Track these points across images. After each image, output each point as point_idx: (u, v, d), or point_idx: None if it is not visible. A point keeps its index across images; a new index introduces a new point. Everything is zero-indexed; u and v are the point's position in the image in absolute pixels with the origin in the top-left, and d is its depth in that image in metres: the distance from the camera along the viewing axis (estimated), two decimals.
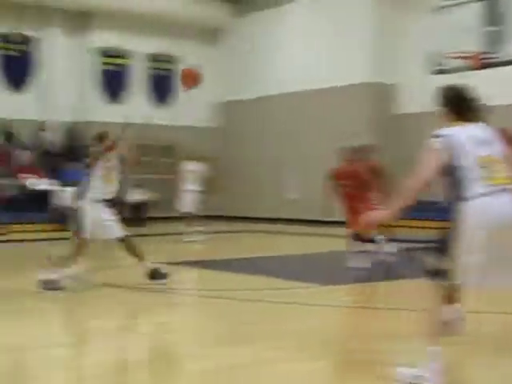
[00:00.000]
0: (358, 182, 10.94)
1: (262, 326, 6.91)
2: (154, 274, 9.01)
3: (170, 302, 8.56)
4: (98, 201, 8.97)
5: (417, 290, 5.68)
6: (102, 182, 9.00)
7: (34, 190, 19.56)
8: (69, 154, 22.16)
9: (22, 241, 15.91)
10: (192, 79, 11.09)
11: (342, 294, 9.17)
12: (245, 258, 12.89)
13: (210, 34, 25.32)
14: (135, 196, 21.77)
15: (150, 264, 9.08)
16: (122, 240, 9.03)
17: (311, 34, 22.31)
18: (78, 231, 8.94)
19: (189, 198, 16.38)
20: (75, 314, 8.06)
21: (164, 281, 8.98)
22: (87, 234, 8.84)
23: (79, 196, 9.22)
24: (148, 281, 8.95)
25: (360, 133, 18.20)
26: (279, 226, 20.43)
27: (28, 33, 22.22)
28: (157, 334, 6.91)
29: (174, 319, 7.50)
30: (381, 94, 20.95)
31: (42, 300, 8.33)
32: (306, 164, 21.84)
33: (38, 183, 19.89)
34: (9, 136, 21.71)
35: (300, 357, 5.63)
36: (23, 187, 19.70)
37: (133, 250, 9.01)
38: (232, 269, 11.13)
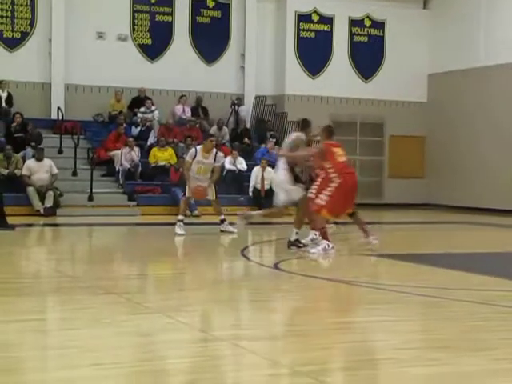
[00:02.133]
0: None
1: (496, 332, 6.39)
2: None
3: (386, 299, 8.16)
4: None
5: None
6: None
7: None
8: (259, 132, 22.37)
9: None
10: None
11: None
12: (462, 253, 12.45)
13: None
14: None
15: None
16: None
17: None
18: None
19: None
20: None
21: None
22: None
23: None
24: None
25: None
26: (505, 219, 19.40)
27: None
28: (375, 333, 6.55)
29: (393, 318, 7.11)
30: None
31: None
32: None
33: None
34: (204, 111, 22.17)
35: None
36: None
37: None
38: (447, 265, 10.63)
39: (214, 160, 14.14)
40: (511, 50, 21.41)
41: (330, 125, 12.57)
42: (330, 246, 11.28)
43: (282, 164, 11.90)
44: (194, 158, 13.85)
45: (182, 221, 13.78)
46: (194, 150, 14.18)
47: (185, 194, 14.19)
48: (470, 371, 5.20)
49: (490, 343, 6.05)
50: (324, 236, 11.39)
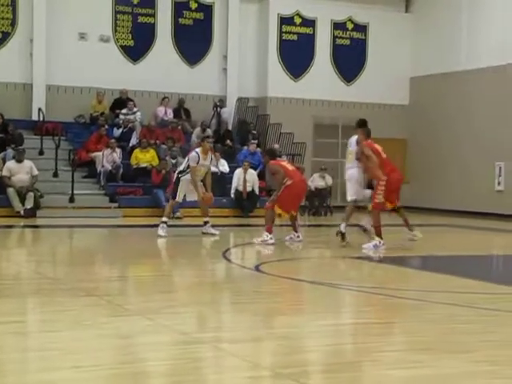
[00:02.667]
0: None
1: (476, 334, 6.42)
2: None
3: (368, 302, 8.18)
4: None
5: None
6: None
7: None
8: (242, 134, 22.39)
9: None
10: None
11: None
12: (445, 256, 12.48)
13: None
14: (318, 182, 21.55)
15: None
16: None
17: None
18: None
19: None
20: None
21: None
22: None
23: None
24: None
25: None
26: (480, 222, 19.49)
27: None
28: (357, 335, 6.56)
29: (375, 321, 7.12)
30: None
31: None
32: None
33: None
34: (186, 112, 22.15)
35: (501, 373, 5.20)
36: None
37: None
38: (430, 268, 10.68)
39: (210, 161, 14.17)
40: (492, 53, 21.54)
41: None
42: (381, 243, 12.04)
43: (355, 163, 12.65)
44: (198, 161, 13.72)
45: (165, 223, 13.76)
46: (195, 154, 13.86)
47: (174, 198, 14.07)
48: (451, 373, 5.22)
49: (470, 345, 6.07)
50: (378, 233, 12.16)
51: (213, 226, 14.15)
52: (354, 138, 12.84)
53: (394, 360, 5.56)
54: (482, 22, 22.13)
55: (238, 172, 19.78)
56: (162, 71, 21.83)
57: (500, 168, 21.29)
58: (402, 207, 13.09)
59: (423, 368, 5.29)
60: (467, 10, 22.58)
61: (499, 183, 21.20)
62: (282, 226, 14.34)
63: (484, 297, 8.57)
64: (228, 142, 21.85)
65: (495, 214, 20.26)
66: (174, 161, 19.21)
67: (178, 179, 13.93)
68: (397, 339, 6.49)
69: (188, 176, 13.75)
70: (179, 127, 21.45)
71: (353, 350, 5.96)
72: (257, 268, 10.00)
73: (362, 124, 12.79)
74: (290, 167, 13.34)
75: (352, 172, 12.73)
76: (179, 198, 13.89)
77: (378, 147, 12.56)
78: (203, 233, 14.08)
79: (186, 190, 13.85)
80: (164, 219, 13.81)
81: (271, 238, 12.76)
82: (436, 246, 13.59)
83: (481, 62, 21.93)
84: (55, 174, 19.08)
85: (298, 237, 13.19)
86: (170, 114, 21.76)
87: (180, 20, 22.37)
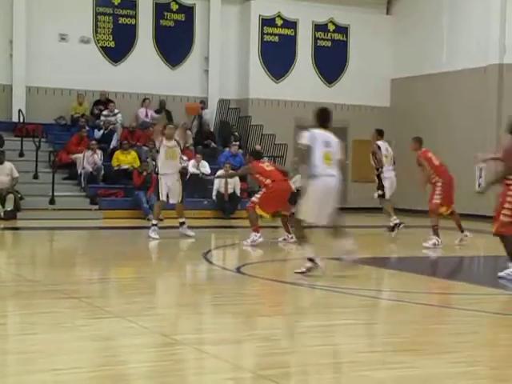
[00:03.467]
0: None
1: (456, 335, 6.45)
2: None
3: (348, 303, 8.20)
4: None
5: None
6: None
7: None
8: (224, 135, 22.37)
9: None
10: (194, 110, 13.54)
11: None
12: (425, 257, 12.60)
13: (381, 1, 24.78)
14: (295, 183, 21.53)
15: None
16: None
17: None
18: None
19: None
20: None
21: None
22: None
23: None
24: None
25: None
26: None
27: (185, 1, 22.54)
28: (337, 337, 6.57)
29: (355, 322, 7.14)
30: None
31: None
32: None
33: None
34: (168, 114, 22.09)
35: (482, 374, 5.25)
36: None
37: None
38: (410, 268, 10.73)
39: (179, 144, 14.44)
40: (473, 55, 21.65)
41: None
42: (439, 241, 13.18)
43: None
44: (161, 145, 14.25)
45: (156, 225, 13.77)
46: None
47: (158, 199, 14.08)
48: (431, 374, 5.24)
49: (449, 346, 6.10)
50: (435, 232, 13.28)
51: (190, 227, 14.14)
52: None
53: (374, 361, 5.58)
54: (463, 23, 22.22)
55: (220, 173, 19.76)
56: (143, 73, 21.77)
57: (480, 169, 21.39)
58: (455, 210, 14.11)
59: (403, 369, 5.31)
60: (448, 12, 22.67)
61: (479, 185, 21.29)
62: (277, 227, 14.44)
63: (465, 298, 8.62)
64: (211, 143, 21.83)
65: (475, 216, 20.33)
66: (154, 162, 19.16)
67: (157, 179, 14.03)
68: (377, 340, 6.51)
69: (166, 171, 13.83)
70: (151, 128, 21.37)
71: (333, 351, 5.98)
72: (238, 270, 10.00)
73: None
74: (267, 168, 13.44)
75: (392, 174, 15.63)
76: (163, 196, 13.89)
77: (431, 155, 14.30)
78: (180, 233, 14.08)
79: (168, 190, 13.86)
80: (154, 222, 13.84)
81: (260, 237, 12.90)
82: (416, 247, 13.63)
83: (461, 63, 22.02)
84: (35, 176, 18.99)
85: (292, 238, 13.19)
86: (152, 116, 21.71)
87: (161, 21, 22.32)
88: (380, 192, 15.66)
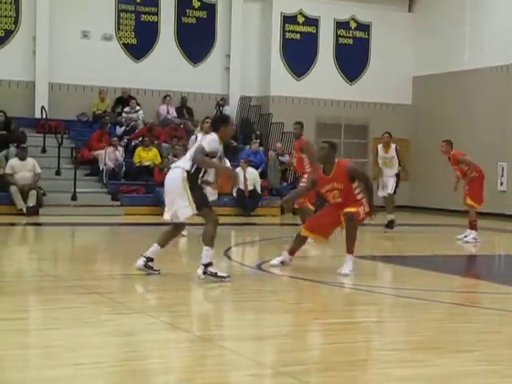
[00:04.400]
0: None
1: (477, 334, 6.42)
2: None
3: (369, 300, 8.18)
4: None
5: None
6: None
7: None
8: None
9: None
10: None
11: None
12: (448, 256, 12.52)
13: None
14: None
15: None
16: None
17: None
18: None
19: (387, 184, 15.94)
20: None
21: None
22: None
23: None
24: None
25: None
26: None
27: None
28: (358, 334, 6.56)
29: (377, 319, 7.13)
30: None
31: None
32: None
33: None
34: (188, 111, 22.11)
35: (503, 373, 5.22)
36: None
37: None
38: (431, 267, 10.70)
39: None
40: (495, 53, 21.52)
41: None
42: (477, 235, 13.89)
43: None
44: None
45: None
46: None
47: None
48: (451, 372, 5.22)
49: (471, 345, 6.08)
50: (475, 227, 13.94)
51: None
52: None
53: (394, 359, 5.56)
54: (486, 21, 22.10)
55: (238, 171, 19.77)
56: (165, 70, 21.83)
57: (503, 168, 21.27)
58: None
59: (424, 367, 5.29)
60: (470, 10, 22.55)
61: (502, 183, 21.18)
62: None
63: (484, 296, 8.59)
64: (231, 141, 21.84)
65: (498, 214, 20.23)
66: (176, 159, 19.19)
67: None
68: (398, 338, 6.49)
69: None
70: (182, 126, 21.44)
71: (354, 348, 5.97)
72: (259, 266, 10.01)
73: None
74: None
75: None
76: None
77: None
78: None
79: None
80: None
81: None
82: (438, 246, 13.58)
83: (484, 61, 21.88)
84: (58, 172, 19.10)
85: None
86: (173, 113, 21.76)
87: (183, 18, 22.36)
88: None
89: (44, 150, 19.67)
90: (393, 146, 16.00)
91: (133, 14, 21.89)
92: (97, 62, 21.14)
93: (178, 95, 22.03)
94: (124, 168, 19.65)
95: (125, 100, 21.39)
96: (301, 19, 23.47)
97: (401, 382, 5.01)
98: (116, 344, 5.79)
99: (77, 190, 18.32)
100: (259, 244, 13.36)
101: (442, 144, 14.45)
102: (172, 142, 20.17)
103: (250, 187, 19.67)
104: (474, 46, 22.35)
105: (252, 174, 19.89)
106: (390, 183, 15.80)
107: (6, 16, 20.72)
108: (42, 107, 20.14)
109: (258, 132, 22.06)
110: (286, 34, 23.32)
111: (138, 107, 21.22)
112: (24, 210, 17.31)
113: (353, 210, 9.17)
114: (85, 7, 21.15)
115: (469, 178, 13.96)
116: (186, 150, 13.83)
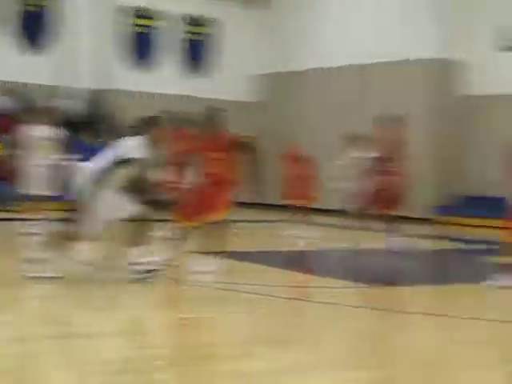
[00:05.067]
0: None
1: (304, 328, 6.79)
2: None
3: (206, 296, 8.27)
4: None
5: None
6: None
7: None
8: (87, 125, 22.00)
9: None
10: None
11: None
12: (279, 252, 12.78)
13: None
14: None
15: None
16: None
17: (366, 4, 21.93)
18: None
19: None
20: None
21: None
22: None
23: None
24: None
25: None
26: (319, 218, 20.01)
27: None
28: (191, 329, 6.68)
29: (209, 315, 7.23)
30: (446, 72, 20.48)
31: None
32: None
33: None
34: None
35: (343, 364, 5.46)
36: None
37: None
38: (266, 262, 10.98)
39: None
40: (333, 54, 22.34)
41: None
42: None
43: None
44: None
45: None
46: None
47: None
48: (288, 366, 5.36)
49: (305, 338, 6.30)
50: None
51: None
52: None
53: (234, 354, 5.70)
54: (324, 22, 22.84)
55: None
56: None
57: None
58: None
59: (261, 361, 5.43)
60: (310, 10, 23.24)
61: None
62: None
63: (316, 291, 8.90)
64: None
65: (323, 210, 20.94)
66: None
67: None
68: (236, 333, 6.60)
69: None
70: None
71: (196, 344, 6.05)
72: None
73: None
74: None
75: None
76: None
77: None
78: None
79: None
80: None
81: None
82: (279, 242, 13.84)
83: (322, 62, 22.67)
84: None
85: None
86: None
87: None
88: None
89: None
90: None
91: None
92: None
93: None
94: None
95: None
96: (148, 13, 23.34)
97: (241, 377, 5.09)
98: None
99: None
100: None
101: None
102: None
103: None
104: (314, 46, 23.06)
105: None
106: None
107: None
108: None
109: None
110: (133, 27, 23.11)
111: None
112: None
113: None
114: None
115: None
116: None
